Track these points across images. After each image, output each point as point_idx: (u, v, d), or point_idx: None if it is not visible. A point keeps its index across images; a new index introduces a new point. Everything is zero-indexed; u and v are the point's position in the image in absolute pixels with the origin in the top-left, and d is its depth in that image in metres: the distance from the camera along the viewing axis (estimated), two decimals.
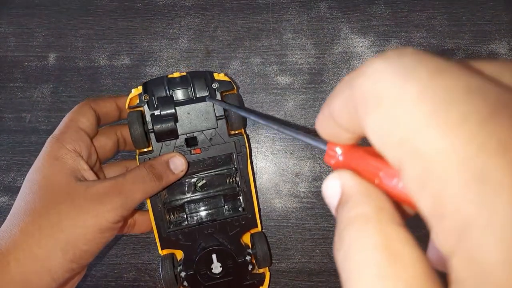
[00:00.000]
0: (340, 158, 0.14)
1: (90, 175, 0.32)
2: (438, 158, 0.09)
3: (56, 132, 0.32)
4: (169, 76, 0.35)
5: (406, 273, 0.10)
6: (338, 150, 0.14)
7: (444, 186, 0.09)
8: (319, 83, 0.43)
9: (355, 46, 0.43)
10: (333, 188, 0.13)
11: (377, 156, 0.13)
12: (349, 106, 0.12)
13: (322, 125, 0.14)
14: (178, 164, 0.34)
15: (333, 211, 0.14)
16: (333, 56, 0.43)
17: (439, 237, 0.10)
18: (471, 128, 0.09)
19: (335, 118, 0.13)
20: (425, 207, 0.10)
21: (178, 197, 0.37)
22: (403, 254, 0.11)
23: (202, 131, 0.35)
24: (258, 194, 0.42)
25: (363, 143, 0.14)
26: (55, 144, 0.31)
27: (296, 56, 0.43)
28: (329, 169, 0.42)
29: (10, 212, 0.30)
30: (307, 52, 0.43)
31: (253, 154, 0.42)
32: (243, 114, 0.29)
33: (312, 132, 0.16)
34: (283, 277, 0.41)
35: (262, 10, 0.44)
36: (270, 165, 0.42)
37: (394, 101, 0.10)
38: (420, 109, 0.10)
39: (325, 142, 0.15)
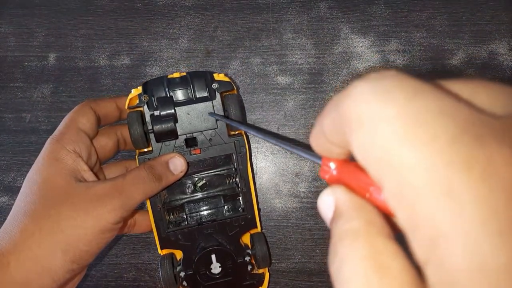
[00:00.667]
0: (334, 172, 0.15)
1: (90, 176, 0.32)
2: (410, 173, 0.10)
3: (56, 132, 0.32)
4: (169, 76, 0.35)
5: (392, 283, 0.11)
6: (332, 165, 0.15)
7: (416, 198, 0.10)
8: (319, 83, 0.43)
9: (355, 46, 0.43)
10: (327, 203, 0.14)
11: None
12: (336, 125, 0.13)
13: (316, 141, 0.15)
14: (178, 164, 0.34)
15: (328, 224, 0.14)
16: (333, 56, 0.43)
17: (415, 247, 0.11)
18: (440, 146, 0.10)
19: (326, 135, 0.14)
20: (402, 219, 0.11)
21: (177, 197, 0.37)
22: (390, 265, 0.11)
23: (201, 131, 0.35)
24: (258, 194, 0.42)
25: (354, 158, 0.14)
26: (55, 145, 0.31)
27: (296, 56, 0.43)
28: None
29: (10, 213, 0.30)
30: (307, 52, 0.43)
31: (253, 154, 0.42)
32: (245, 129, 0.30)
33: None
34: (283, 277, 0.41)
35: (262, 10, 0.44)
36: (270, 165, 0.42)
37: (373, 122, 0.11)
38: (395, 129, 0.11)
39: (319, 157, 0.16)
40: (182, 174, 0.35)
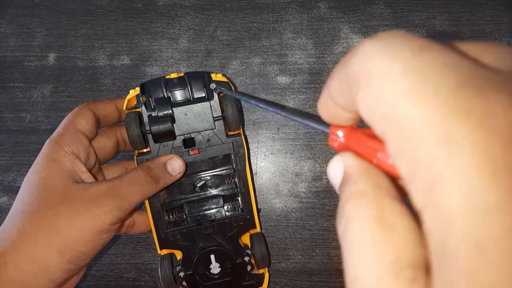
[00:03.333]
0: (342, 140, 0.15)
1: (87, 177, 0.32)
2: (412, 126, 0.11)
3: (54, 134, 0.33)
4: (167, 77, 0.35)
5: (396, 239, 0.11)
6: (340, 133, 0.15)
7: (416, 147, 0.11)
8: (319, 83, 0.43)
9: (355, 46, 0.43)
10: (336, 169, 0.15)
11: (376, 136, 0.14)
12: (344, 85, 0.13)
13: (323, 107, 0.15)
14: (175, 166, 0.34)
15: (337, 190, 0.15)
16: (333, 56, 0.43)
17: (413, 195, 0.11)
18: (442, 98, 0.10)
19: (333, 99, 0.14)
20: (403, 171, 0.11)
21: (177, 197, 0.37)
22: (396, 223, 0.12)
23: (199, 132, 0.35)
24: (258, 194, 0.42)
25: (363, 125, 0.14)
26: (53, 146, 0.31)
27: (296, 56, 0.43)
28: None
29: (8, 213, 0.30)
30: (307, 52, 0.43)
31: (253, 154, 0.42)
32: (252, 102, 0.29)
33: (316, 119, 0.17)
34: (283, 277, 0.41)
35: (262, 10, 0.44)
36: (270, 165, 0.42)
37: (379, 78, 0.12)
38: (401, 84, 0.11)
39: (327, 125, 0.16)
40: (180, 175, 0.35)
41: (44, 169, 0.30)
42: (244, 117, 0.43)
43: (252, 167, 0.42)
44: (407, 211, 0.12)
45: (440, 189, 0.10)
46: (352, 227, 0.12)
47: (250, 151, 0.42)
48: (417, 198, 0.11)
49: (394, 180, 0.14)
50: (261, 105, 0.25)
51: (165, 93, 0.35)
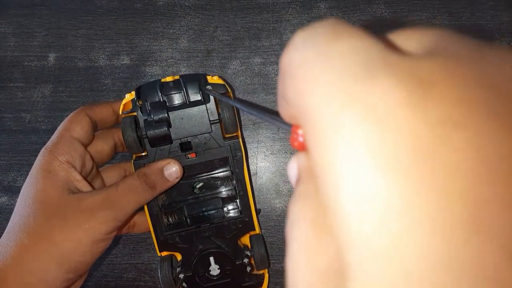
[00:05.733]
0: (301, 139, 0.15)
1: (83, 186, 0.32)
2: (314, 115, 0.10)
3: (49, 143, 0.32)
4: (162, 80, 0.34)
5: (331, 246, 0.11)
6: (300, 132, 0.15)
7: (317, 140, 0.10)
8: None
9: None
10: (292, 170, 0.14)
11: None
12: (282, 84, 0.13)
13: (280, 109, 0.15)
14: (172, 171, 0.34)
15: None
16: None
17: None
18: (339, 85, 0.10)
19: (284, 98, 0.14)
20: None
21: (175, 200, 0.37)
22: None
23: (196, 135, 0.35)
24: (258, 194, 0.42)
25: None
26: (47, 157, 0.31)
27: None
28: None
29: (7, 227, 0.30)
30: None
31: (253, 154, 0.42)
32: (244, 109, 0.29)
33: None
34: (283, 277, 0.41)
35: (262, 10, 0.44)
36: (270, 165, 0.42)
37: (294, 69, 0.12)
38: (309, 73, 0.11)
39: (289, 125, 0.15)
40: (177, 180, 0.34)
41: (39, 181, 0.31)
42: (244, 117, 0.43)
43: (252, 167, 0.42)
44: None
45: (331, 185, 0.10)
46: (293, 231, 0.12)
47: (250, 151, 0.42)
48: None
49: None
50: (254, 113, 0.25)
51: (160, 97, 0.34)
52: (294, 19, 0.44)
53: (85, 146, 0.34)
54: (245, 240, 0.38)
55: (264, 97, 0.43)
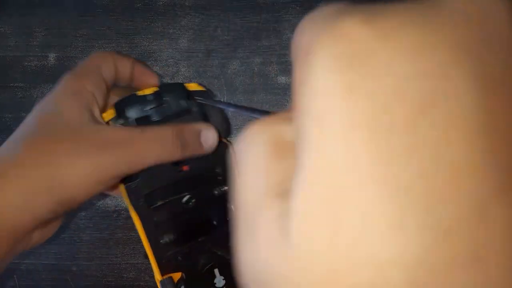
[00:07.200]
0: None
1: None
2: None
3: (76, 70, 0.29)
4: (139, 93, 0.32)
5: (285, 164, 0.12)
6: None
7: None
8: None
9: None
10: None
11: None
12: None
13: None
14: (210, 137, 0.30)
15: None
16: None
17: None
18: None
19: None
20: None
21: (169, 221, 0.35)
22: (289, 146, 0.12)
23: None
24: None
25: None
26: (76, 80, 0.28)
27: None
28: None
29: (9, 137, 0.28)
30: None
31: None
32: (231, 109, 0.28)
33: None
34: None
35: (262, 10, 0.44)
36: None
37: (296, 45, 0.12)
38: (307, 36, 0.12)
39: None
40: (211, 150, 0.31)
41: (62, 99, 0.27)
42: (244, 117, 0.43)
43: None
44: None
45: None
46: (247, 152, 0.13)
47: None
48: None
49: None
50: (244, 112, 0.25)
51: (143, 112, 0.31)
52: (294, 19, 0.44)
53: (108, 92, 0.31)
54: None
55: (264, 97, 0.43)
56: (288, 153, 0.12)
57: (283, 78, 0.43)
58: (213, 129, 0.31)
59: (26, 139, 0.26)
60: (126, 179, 0.31)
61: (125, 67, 0.32)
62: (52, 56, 0.44)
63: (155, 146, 0.28)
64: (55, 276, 0.41)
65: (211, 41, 0.44)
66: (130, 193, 0.31)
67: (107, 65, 0.31)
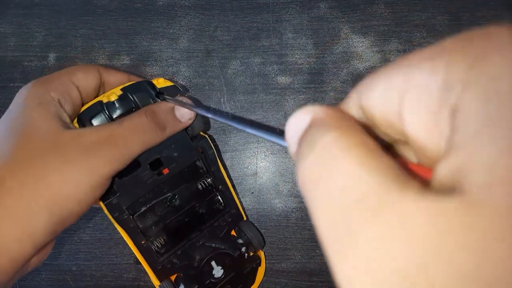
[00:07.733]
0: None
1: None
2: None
3: (41, 78, 0.28)
4: (104, 101, 0.29)
5: (387, 161, 0.11)
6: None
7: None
8: (319, 83, 0.43)
9: (355, 46, 0.43)
10: (301, 121, 0.13)
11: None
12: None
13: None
14: (185, 111, 0.29)
15: (293, 147, 0.14)
16: (333, 56, 0.43)
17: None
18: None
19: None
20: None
21: (157, 225, 0.34)
22: (381, 152, 0.11)
23: (161, 150, 0.31)
24: (258, 194, 0.42)
25: None
26: (38, 88, 0.26)
27: (296, 56, 0.43)
28: None
29: None
30: (307, 52, 0.43)
31: (253, 154, 0.42)
32: (208, 115, 0.26)
33: None
34: (283, 277, 0.41)
35: (262, 10, 0.44)
36: (270, 165, 0.42)
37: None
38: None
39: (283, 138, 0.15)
40: (191, 122, 0.30)
41: (29, 112, 0.25)
42: (244, 117, 0.43)
43: (252, 167, 0.42)
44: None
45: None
46: (338, 147, 0.12)
47: (250, 151, 0.42)
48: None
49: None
50: (210, 115, 0.23)
51: (109, 120, 0.29)
52: (294, 19, 0.44)
53: (83, 99, 0.29)
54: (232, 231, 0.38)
55: (264, 97, 0.43)
56: (382, 155, 0.11)
57: (283, 78, 0.43)
58: (185, 100, 0.30)
59: (6, 164, 0.24)
60: (105, 196, 0.29)
61: (116, 79, 0.31)
62: (52, 56, 0.44)
63: (137, 134, 0.27)
64: (55, 276, 0.41)
65: (211, 41, 0.44)
66: (111, 209, 0.30)
67: (84, 73, 0.29)
